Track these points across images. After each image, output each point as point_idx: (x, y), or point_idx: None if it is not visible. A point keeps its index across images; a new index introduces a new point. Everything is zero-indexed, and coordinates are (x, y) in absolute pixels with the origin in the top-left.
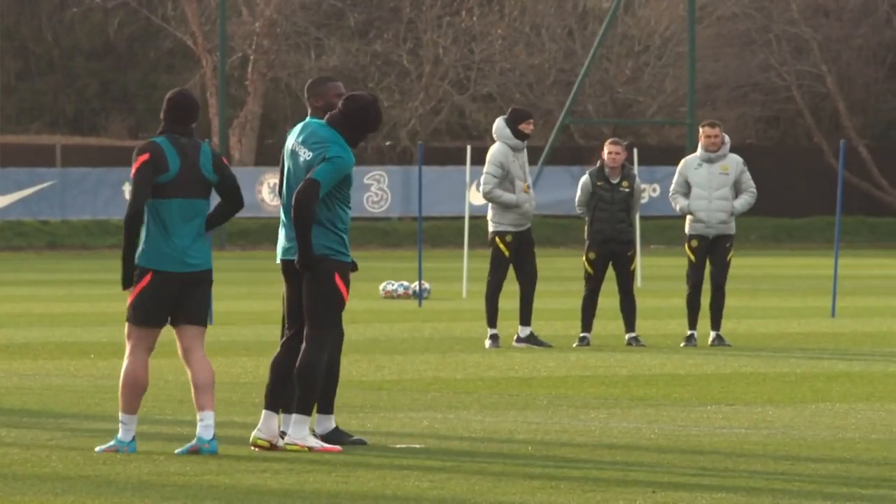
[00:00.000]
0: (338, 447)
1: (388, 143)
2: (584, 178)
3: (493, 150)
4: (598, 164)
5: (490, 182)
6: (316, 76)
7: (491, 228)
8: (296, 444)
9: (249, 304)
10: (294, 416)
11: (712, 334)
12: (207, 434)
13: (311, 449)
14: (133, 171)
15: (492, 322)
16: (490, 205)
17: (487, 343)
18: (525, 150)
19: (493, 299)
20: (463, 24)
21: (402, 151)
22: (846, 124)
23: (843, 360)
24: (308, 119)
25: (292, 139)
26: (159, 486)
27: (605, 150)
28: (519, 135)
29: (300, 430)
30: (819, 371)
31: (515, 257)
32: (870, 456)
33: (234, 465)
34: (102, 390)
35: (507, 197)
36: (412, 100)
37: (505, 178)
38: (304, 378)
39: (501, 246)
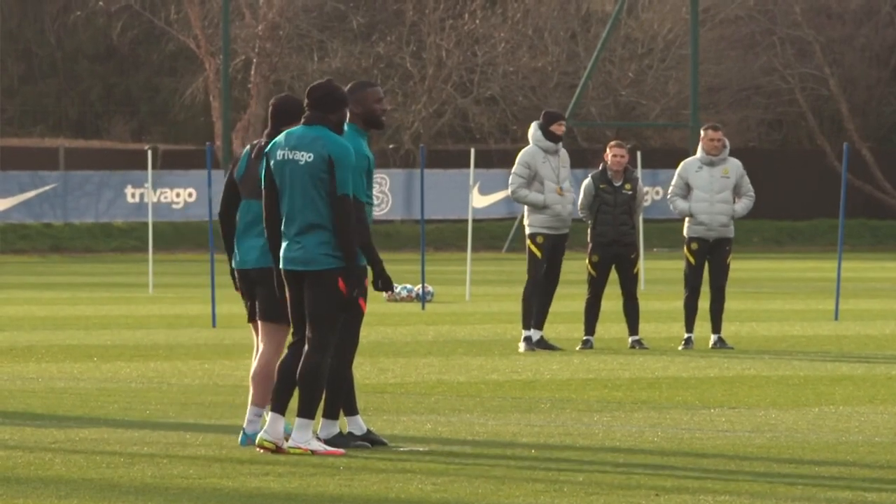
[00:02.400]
0: (341, 450)
1: (391, 146)
2: (587, 181)
3: (523, 151)
4: (600, 167)
5: (515, 182)
6: (355, 81)
7: (526, 231)
8: (299, 448)
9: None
10: (297, 419)
11: (714, 337)
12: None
13: (313, 452)
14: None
15: (526, 324)
16: (525, 207)
17: (521, 346)
18: (561, 154)
19: (528, 301)
20: (466, 26)
21: (405, 154)
22: (849, 127)
23: (847, 363)
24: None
25: (282, 150)
26: (162, 489)
27: (609, 153)
28: (550, 136)
29: (303, 434)
30: (822, 374)
31: (550, 260)
32: (873, 459)
33: (237, 468)
34: (105, 393)
35: (534, 197)
36: (415, 102)
37: (533, 179)
38: (305, 382)
39: (533, 247)
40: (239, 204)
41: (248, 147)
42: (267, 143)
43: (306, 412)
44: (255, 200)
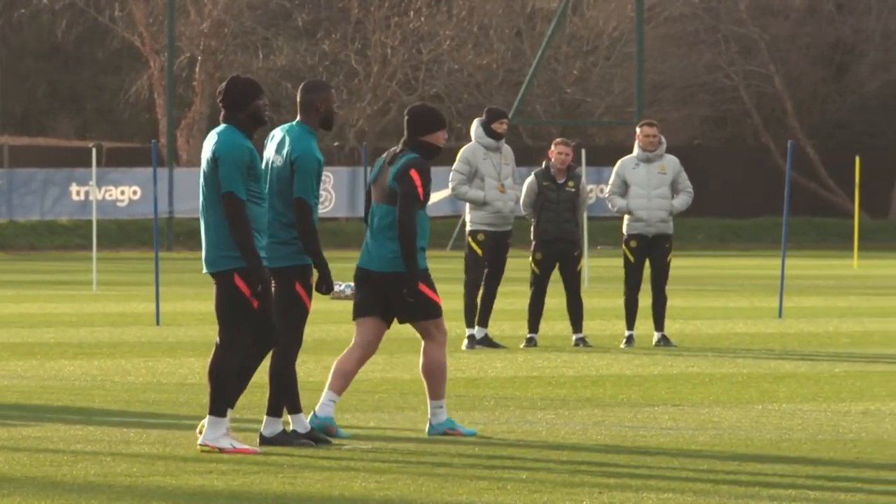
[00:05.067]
0: (254, 449)
1: (335, 144)
2: (530, 179)
3: (464, 148)
4: (544, 165)
5: (456, 179)
6: (316, 80)
7: (467, 228)
8: (207, 446)
9: (196, 305)
10: (207, 417)
11: (657, 335)
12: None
13: (222, 450)
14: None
15: (469, 322)
16: (467, 204)
17: (465, 344)
18: (504, 151)
19: (471, 300)
20: (411, 24)
21: (350, 152)
22: (793, 124)
23: (790, 360)
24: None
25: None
26: (106, 487)
27: (554, 150)
28: (492, 134)
29: (213, 432)
30: (766, 372)
31: (492, 257)
32: (816, 456)
33: (180, 466)
34: (49, 391)
35: (474, 194)
36: (360, 100)
37: (474, 176)
38: (212, 379)
39: (474, 245)
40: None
41: (385, 154)
42: (402, 150)
43: (215, 410)
44: (385, 205)
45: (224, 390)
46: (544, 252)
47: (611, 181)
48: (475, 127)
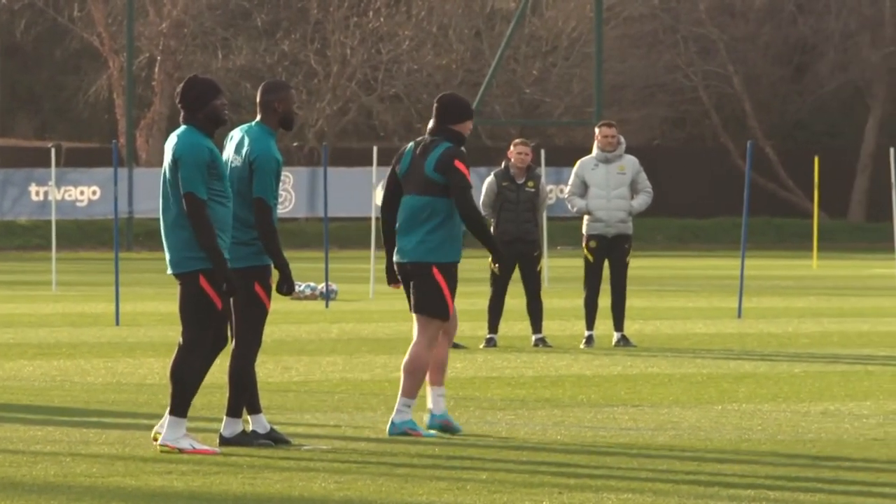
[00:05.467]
0: (213, 450)
1: (295, 144)
2: (490, 179)
3: None
4: (503, 165)
5: None
6: (276, 80)
7: None
8: (167, 446)
9: (156, 305)
10: (168, 417)
11: (616, 335)
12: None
13: (182, 451)
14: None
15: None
16: None
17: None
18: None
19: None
20: (370, 24)
21: (309, 152)
22: (752, 125)
23: (749, 360)
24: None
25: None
26: (65, 487)
27: (513, 151)
28: None
29: (173, 432)
30: (725, 372)
31: None
32: (776, 456)
33: (140, 466)
34: (8, 391)
35: None
36: (319, 100)
37: None
38: (173, 380)
39: None
40: (400, 200)
41: (411, 144)
42: (431, 141)
43: (176, 410)
44: (417, 196)
45: (186, 391)
46: (504, 252)
47: (570, 182)
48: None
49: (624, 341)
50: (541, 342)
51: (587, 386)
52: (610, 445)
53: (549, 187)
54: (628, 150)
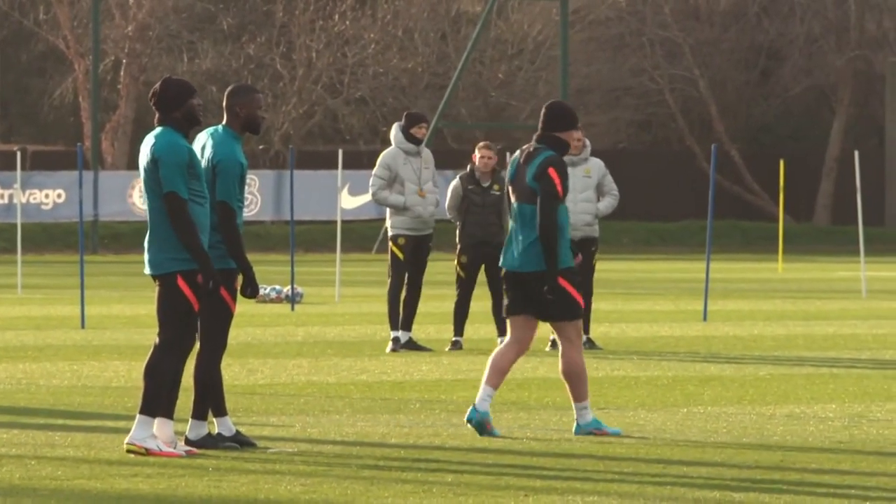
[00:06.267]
0: (178, 452)
1: (260, 147)
2: (455, 182)
3: (384, 153)
4: (468, 168)
5: (376, 184)
6: (240, 83)
7: (388, 233)
8: (134, 445)
9: (121, 308)
10: (137, 416)
11: (583, 338)
12: None
13: (148, 451)
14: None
15: (393, 325)
16: (388, 209)
17: (389, 346)
18: (424, 155)
19: (394, 303)
20: (336, 27)
21: (275, 155)
22: (718, 128)
23: (715, 363)
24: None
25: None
26: (31, 490)
27: (477, 154)
28: (411, 138)
29: (142, 431)
30: (691, 374)
31: (411, 261)
32: (741, 459)
33: (105, 469)
34: None
35: (394, 199)
36: (285, 103)
37: (394, 181)
38: (147, 379)
39: (395, 249)
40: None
41: (517, 152)
42: (535, 150)
43: (146, 409)
44: (527, 204)
45: (158, 391)
46: (469, 255)
47: None
48: (395, 132)
49: (590, 344)
50: None
51: (553, 389)
52: (575, 448)
53: None
54: (594, 154)
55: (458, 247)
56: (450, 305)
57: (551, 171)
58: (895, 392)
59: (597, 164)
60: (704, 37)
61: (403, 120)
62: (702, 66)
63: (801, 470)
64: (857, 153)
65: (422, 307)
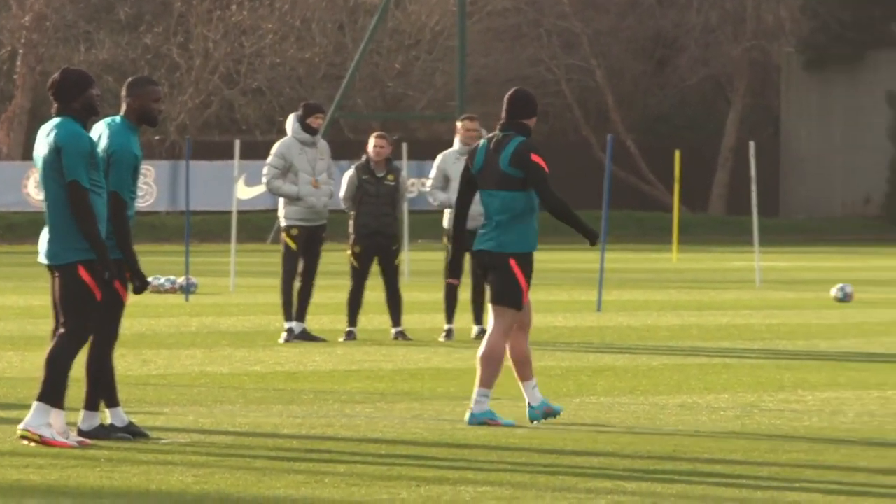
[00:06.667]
0: (70, 443)
1: (156, 138)
2: (350, 172)
3: (279, 143)
4: (363, 158)
5: (270, 173)
6: (139, 76)
7: (281, 223)
8: (28, 431)
9: (15, 299)
10: (35, 403)
11: (476, 328)
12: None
13: (42, 439)
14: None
15: (287, 316)
16: (281, 199)
17: (283, 337)
18: (320, 146)
19: (288, 293)
20: (233, 18)
21: (171, 145)
22: (614, 118)
23: (609, 353)
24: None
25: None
26: None
27: (371, 144)
28: (307, 128)
29: (38, 418)
30: (584, 365)
31: (304, 251)
32: (633, 449)
33: None
34: None
35: (288, 188)
36: (182, 94)
37: (288, 171)
38: (46, 366)
39: (288, 239)
40: (473, 196)
41: (483, 140)
42: (504, 136)
43: (44, 397)
44: (494, 191)
45: (60, 379)
46: (363, 245)
47: (432, 175)
48: (291, 122)
49: (483, 334)
50: (400, 335)
51: (446, 379)
52: (468, 438)
53: (410, 181)
54: None
55: (352, 237)
56: (344, 296)
57: (534, 157)
58: (787, 382)
59: None
60: (602, 27)
61: (300, 110)
62: (599, 57)
63: (693, 459)
64: (752, 143)
65: (315, 298)
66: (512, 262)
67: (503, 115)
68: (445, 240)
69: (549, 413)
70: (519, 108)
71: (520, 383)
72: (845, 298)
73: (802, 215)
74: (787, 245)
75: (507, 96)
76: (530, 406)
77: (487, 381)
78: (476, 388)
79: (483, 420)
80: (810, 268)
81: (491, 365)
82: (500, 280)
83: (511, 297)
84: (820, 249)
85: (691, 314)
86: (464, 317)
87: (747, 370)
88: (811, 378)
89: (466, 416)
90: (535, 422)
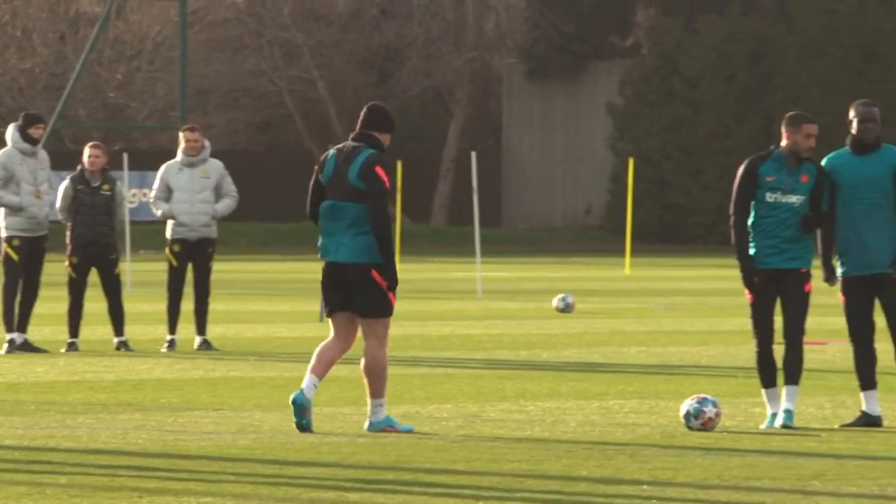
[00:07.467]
0: None
1: None
2: (66, 183)
3: (0, 153)
4: (78, 169)
5: None
6: None
7: (1, 234)
8: None
9: None
10: None
11: (198, 339)
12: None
13: None
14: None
15: (9, 327)
16: (1, 210)
17: (4, 348)
18: (40, 156)
19: (9, 304)
20: None
21: None
22: (337, 130)
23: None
24: None
25: None
26: None
27: (86, 154)
28: (28, 139)
29: None
30: (303, 375)
31: (26, 262)
32: (356, 459)
33: None
34: None
35: (9, 199)
36: None
37: (10, 181)
38: None
39: (9, 250)
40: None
41: (332, 150)
42: (354, 148)
43: None
44: (338, 201)
45: None
46: (80, 256)
47: (155, 186)
48: (11, 132)
49: (206, 345)
50: (122, 346)
51: (169, 390)
52: (191, 449)
53: (132, 191)
54: (213, 155)
55: (69, 247)
56: (64, 306)
57: (378, 170)
58: (509, 392)
59: (216, 165)
60: (324, 38)
61: (21, 120)
62: (321, 68)
63: (415, 470)
64: (473, 154)
65: (37, 309)
66: (374, 273)
67: (358, 125)
68: (168, 251)
69: (307, 416)
70: (374, 120)
71: (308, 373)
72: (566, 308)
73: (524, 225)
74: (508, 255)
75: (365, 107)
76: (303, 393)
77: (377, 391)
78: (369, 400)
79: (382, 427)
80: (532, 278)
81: (376, 375)
82: (366, 292)
83: (379, 308)
84: (541, 259)
85: (413, 324)
86: (187, 328)
87: (469, 380)
88: (533, 388)
89: (365, 425)
90: (293, 405)
